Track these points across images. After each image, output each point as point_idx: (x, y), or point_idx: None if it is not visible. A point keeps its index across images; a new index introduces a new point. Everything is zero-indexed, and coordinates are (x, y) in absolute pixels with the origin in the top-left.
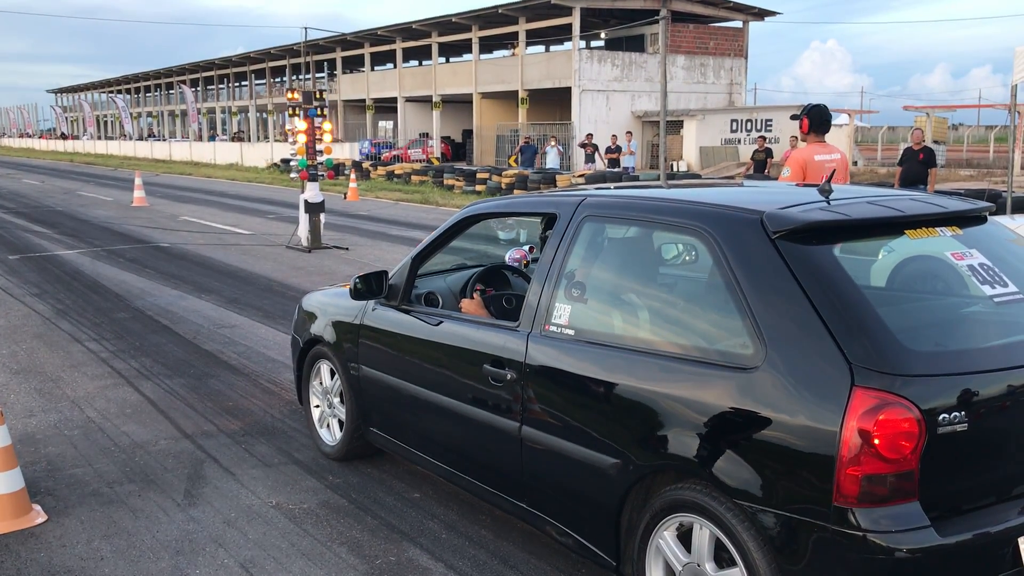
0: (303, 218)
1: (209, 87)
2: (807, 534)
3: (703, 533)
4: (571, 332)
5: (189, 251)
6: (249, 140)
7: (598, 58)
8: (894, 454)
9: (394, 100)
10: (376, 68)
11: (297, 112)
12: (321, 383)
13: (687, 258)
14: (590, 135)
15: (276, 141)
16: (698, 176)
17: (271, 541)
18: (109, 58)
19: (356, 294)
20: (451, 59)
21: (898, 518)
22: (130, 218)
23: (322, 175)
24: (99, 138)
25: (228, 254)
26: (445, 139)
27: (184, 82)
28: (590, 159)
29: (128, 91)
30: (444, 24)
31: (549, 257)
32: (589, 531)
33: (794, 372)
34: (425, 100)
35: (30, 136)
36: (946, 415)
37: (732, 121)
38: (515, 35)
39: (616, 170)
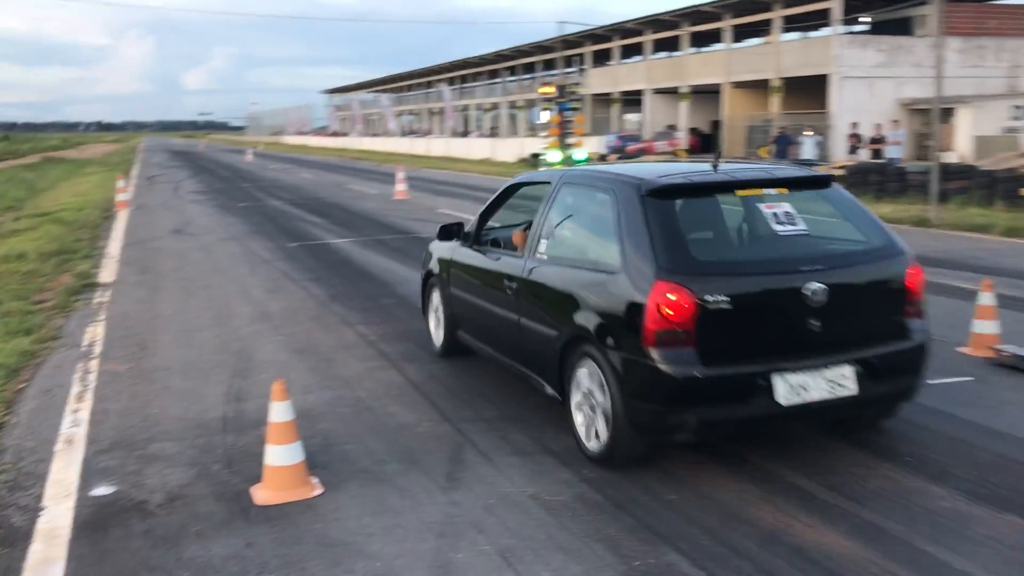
0: None
1: (465, 85)
2: (634, 366)
3: (594, 370)
4: (544, 257)
5: None
6: (501, 136)
7: (861, 43)
8: (677, 319)
9: (640, 93)
10: (624, 61)
11: (550, 106)
12: (432, 302)
13: (605, 209)
14: (854, 124)
15: (526, 136)
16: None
17: (528, 531)
18: (376, 60)
19: (439, 237)
20: (701, 49)
21: (678, 357)
22: (393, 210)
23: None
24: (366, 135)
25: None
26: (693, 130)
27: (442, 81)
28: (853, 149)
29: (392, 90)
30: (695, 13)
31: (542, 210)
32: (548, 378)
33: (632, 274)
34: (671, 92)
35: (305, 134)
36: (711, 297)
37: (1014, 108)
38: (768, 22)
39: (880, 161)
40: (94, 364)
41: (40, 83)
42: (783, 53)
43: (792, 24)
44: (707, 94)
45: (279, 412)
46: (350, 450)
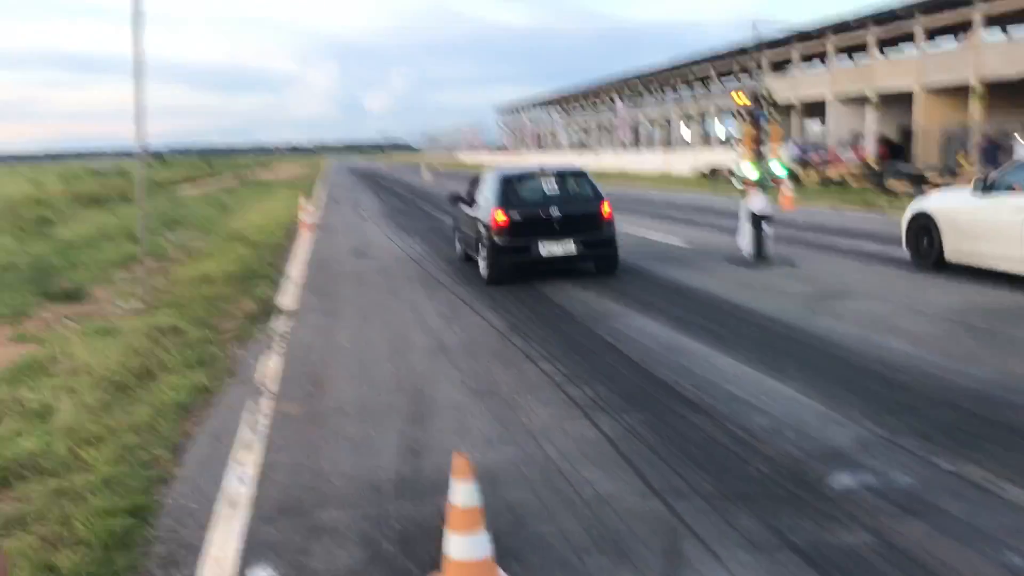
0: (746, 229)
1: (636, 98)
2: (487, 247)
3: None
4: (478, 205)
5: (628, 262)
6: (673, 148)
7: None
8: (501, 224)
9: (821, 100)
10: (805, 67)
11: (743, 115)
12: (455, 247)
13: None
14: None
15: (701, 148)
16: None
17: None
18: (545, 76)
19: (450, 202)
20: (888, 53)
21: (501, 236)
22: None
23: (771, 184)
24: (536, 150)
25: (667, 267)
26: (882, 139)
27: (612, 95)
28: None
29: (562, 106)
30: (882, 16)
31: (479, 187)
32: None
33: (491, 206)
34: (856, 99)
35: (477, 150)
36: (511, 214)
37: None
38: (967, 22)
39: None
40: (267, 404)
41: (237, 109)
42: (985, 54)
43: (995, 22)
44: (897, 101)
45: (463, 495)
46: (544, 532)
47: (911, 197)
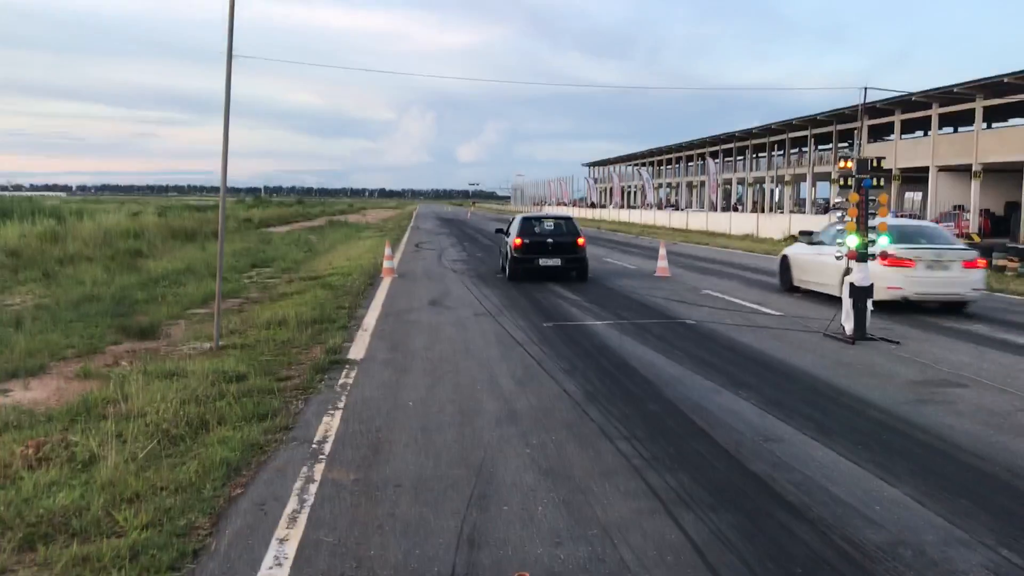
0: (846, 303)
1: (728, 159)
2: (509, 259)
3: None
4: (505, 239)
5: (717, 331)
6: (764, 211)
7: None
8: (518, 245)
9: (922, 170)
10: (904, 136)
11: (846, 181)
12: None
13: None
14: None
15: (792, 212)
16: None
17: None
18: (637, 134)
19: (496, 232)
20: (995, 124)
21: (518, 253)
22: (654, 289)
23: (873, 255)
24: (622, 207)
25: (758, 338)
26: (984, 212)
27: (704, 155)
28: None
29: (651, 163)
30: (992, 86)
31: (507, 227)
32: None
33: (513, 237)
34: (960, 169)
35: (565, 204)
36: (524, 240)
37: None
38: None
39: None
40: (320, 469)
41: (333, 153)
42: None
43: None
44: (1002, 172)
45: None
46: None
47: (1020, 276)
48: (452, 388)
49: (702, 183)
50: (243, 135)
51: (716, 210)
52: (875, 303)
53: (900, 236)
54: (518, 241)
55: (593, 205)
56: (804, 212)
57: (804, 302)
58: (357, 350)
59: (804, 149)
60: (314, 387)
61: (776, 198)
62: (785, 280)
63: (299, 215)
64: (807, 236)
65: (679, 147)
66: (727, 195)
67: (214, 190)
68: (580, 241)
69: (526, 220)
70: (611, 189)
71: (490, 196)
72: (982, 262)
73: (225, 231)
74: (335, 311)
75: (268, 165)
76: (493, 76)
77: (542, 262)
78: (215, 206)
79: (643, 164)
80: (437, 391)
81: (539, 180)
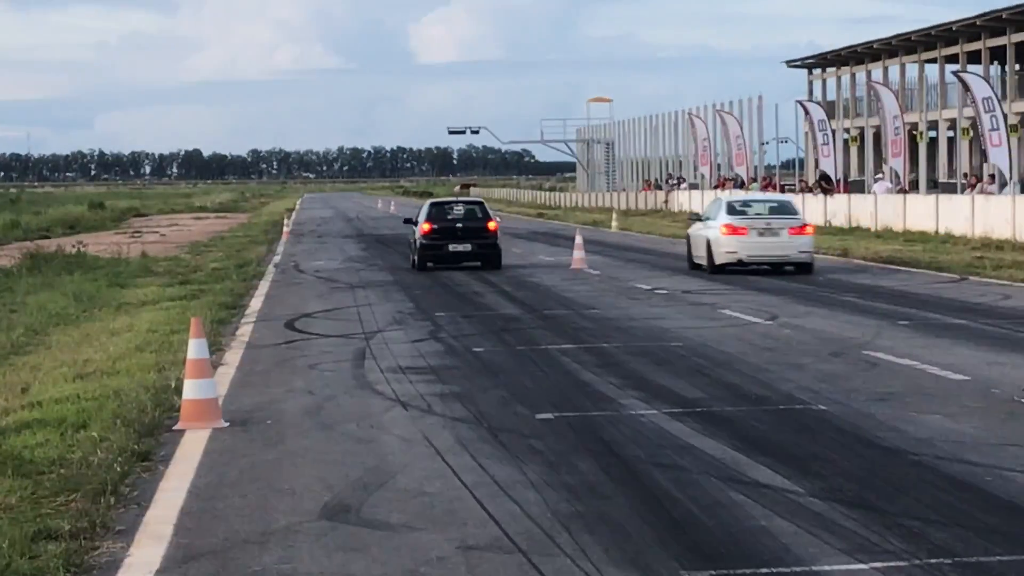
0: None
1: None
2: (419, 242)
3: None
4: (413, 228)
5: None
6: None
7: None
8: (425, 231)
9: None
10: None
11: None
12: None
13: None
14: None
15: None
16: None
17: None
18: None
19: (404, 222)
20: None
21: (425, 238)
22: None
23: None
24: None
25: None
26: None
27: None
28: None
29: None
30: None
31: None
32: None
33: (422, 222)
34: None
35: (771, 185)
36: (432, 225)
37: None
38: None
39: None
40: None
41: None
42: None
43: None
44: None
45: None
46: None
47: None
48: None
49: None
50: None
51: None
52: (716, 266)
53: (743, 207)
54: (427, 227)
55: (824, 184)
56: None
57: None
58: None
59: None
60: None
61: None
62: (689, 260)
63: None
64: (696, 216)
65: None
66: None
67: None
68: (492, 226)
69: (435, 205)
70: (881, 132)
71: (515, 163)
72: (810, 229)
73: None
74: None
75: None
76: None
77: (452, 247)
78: None
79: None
80: None
81: (656, 113)
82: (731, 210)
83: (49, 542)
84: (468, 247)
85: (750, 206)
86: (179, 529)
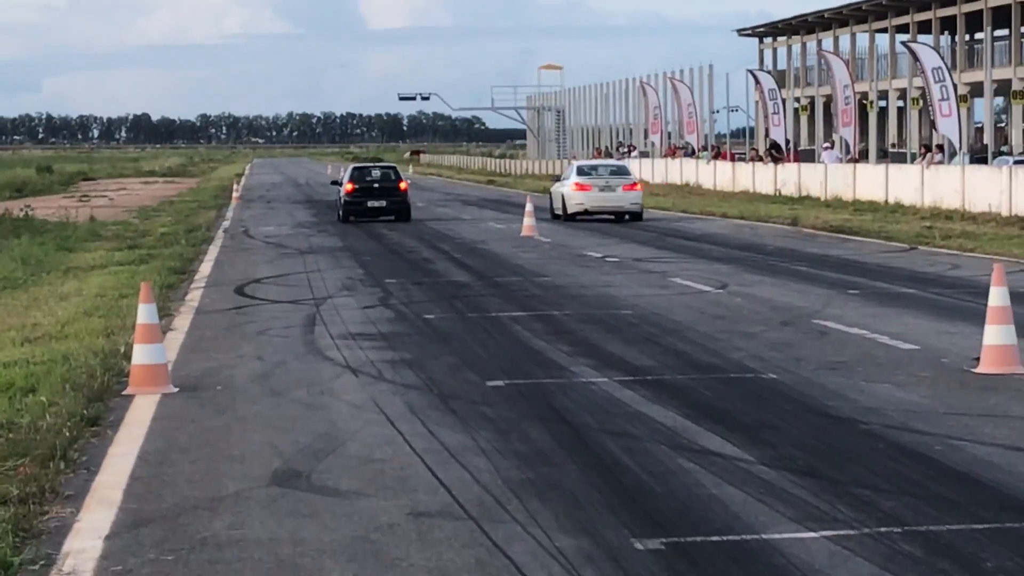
0: None
1: None
2: (343, 199)
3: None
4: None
5: None
6: None
7: None
8: (349, 190)
9: None
10: None
11: None
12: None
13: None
14: None
15: None
16: None
17: None
18: None
19: (331, 183)
20: None
21: (349, 197)
22: None
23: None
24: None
25: None
26: None
27: None
28: None
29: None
30: None
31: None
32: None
33: (345, 184)
34: None
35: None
36: (352, 185)
37: None
38: None
39: None
40: None
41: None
42: None
43: None
44: None
45: None
46: None
47: None
48: None
49: None
50: None
51: None
52: (568, 215)
53: (590, 170)
54: (350, 187)
55: (774, 153)
56: None
57: None
58: None
59: None
60: None
61: None
62: (550, 211)
63: None
64: (556, 177)
65: None
66: None
67: None
68: (403, 186)
69: (356, 169)
70: (832, 101)
71: (465, 130)
72: (639, 186)
73: None
74: None
75: None
76: None
77: (370, 203)
78: None
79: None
80: None
81: (607, 81)
82: (580, 172)
83: None
84: (383, 203)
85: (595, 169)
86: (128, 494)
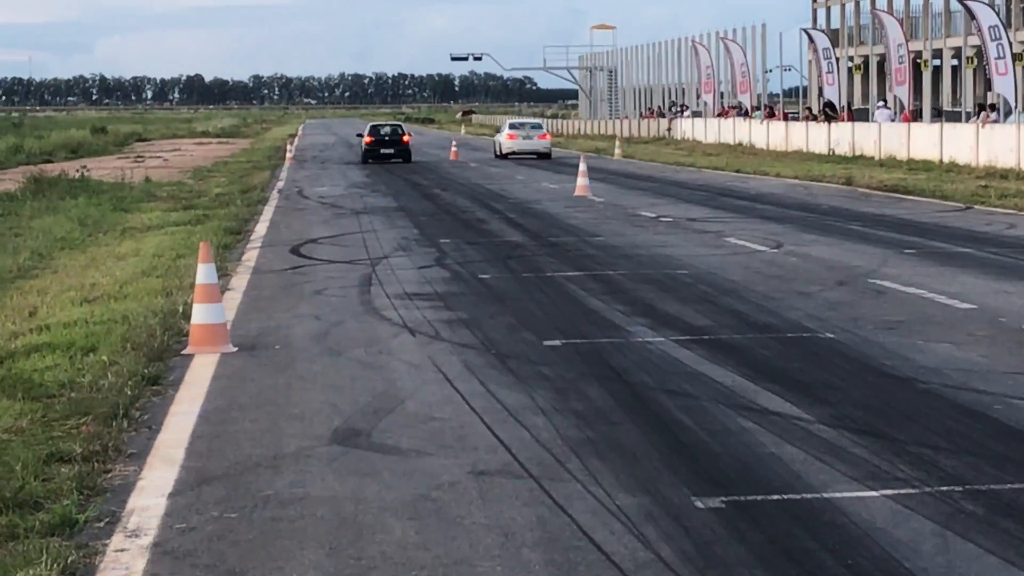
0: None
1: None
2: (363, 150)
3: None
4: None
5: None
6: None
7: None
8: (368, 141)
9: None
10: None
11: None
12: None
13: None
14: None
15: None
16: None
17: None
18: None
19: (356, 135)
20: None
21: (369, 144)
22: None
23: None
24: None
25: None
26: None
27: None
28: None
29: None
30: None
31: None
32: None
33: (363, 136)
34: None
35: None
36: (371, 136)
37: None
38: None
39: None
40: None
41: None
42: None
43: None
44: None
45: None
46: None
47: None
48: None
49: None
50: None
51: None
52: (502, 155)
53: (519, 125)
54: (368, 139)
55: (829, 112)
56: None
57: None
58: None
59: None
60: None
61: None
62: (494, 152)
63: None
64: (497, 129)
65: None
66: None
67: None
68: (405, 139)
69: (373, 126)
70: (885, 60)
71: (517, 91)
72: (548, 136)
73: None
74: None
75: None
76: None
77: (382, 151)
78: None
79: None
80: None
81: (660, 40)
82: (511, 127)
83: (62, 465)
84: (392, 151)
85: (521, 124)
86: (191, 453)
